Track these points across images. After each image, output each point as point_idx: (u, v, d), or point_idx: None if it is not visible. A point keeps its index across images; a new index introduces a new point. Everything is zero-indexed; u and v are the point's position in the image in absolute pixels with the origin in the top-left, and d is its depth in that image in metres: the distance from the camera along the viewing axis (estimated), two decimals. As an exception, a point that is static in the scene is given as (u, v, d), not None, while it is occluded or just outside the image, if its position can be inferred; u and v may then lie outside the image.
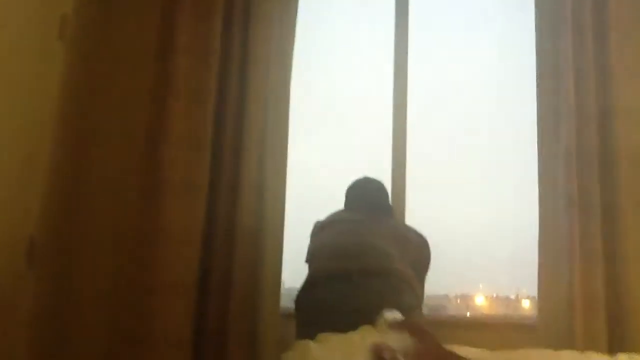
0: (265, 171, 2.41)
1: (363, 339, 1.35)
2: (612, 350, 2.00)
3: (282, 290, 2.41)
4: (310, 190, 2.65)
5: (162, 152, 2.27)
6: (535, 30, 2.48)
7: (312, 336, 1.49)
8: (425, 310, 2.43)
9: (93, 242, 2.45)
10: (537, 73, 2.45)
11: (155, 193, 2.25)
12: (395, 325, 1.41)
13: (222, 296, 2.24)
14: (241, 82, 2.43)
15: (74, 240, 2.42)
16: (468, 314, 2.75)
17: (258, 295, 2.32)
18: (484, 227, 2.69)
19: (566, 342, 2.10)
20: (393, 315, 1.48)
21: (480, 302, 2.81)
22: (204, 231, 2.29)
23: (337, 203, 2.36)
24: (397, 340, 1.28)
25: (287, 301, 2.30)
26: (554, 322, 2.20)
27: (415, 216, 2.52)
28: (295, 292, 2.04)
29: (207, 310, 2.23)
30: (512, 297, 2.87)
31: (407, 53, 2.72)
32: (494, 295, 2.83)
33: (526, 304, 2.79)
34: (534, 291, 2.33)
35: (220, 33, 2.42)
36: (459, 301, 2.87)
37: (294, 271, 2.34)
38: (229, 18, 2.46)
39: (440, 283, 2.61)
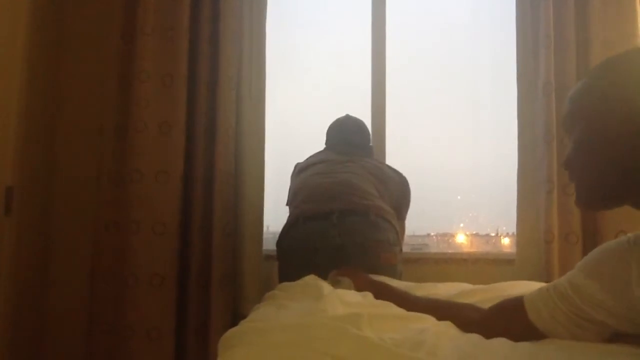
0: (243, 115, 2.41)
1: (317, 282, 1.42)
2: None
3: (267, 234, 2.44)
4: (292, 135, 2.65)
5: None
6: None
7: (293, 276, 1.51)
8: (408, 248, 2.49)
9: (70, 191, 2.44)
10: (516, 5, 2.43)
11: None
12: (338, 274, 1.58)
13: (203, 239, 2.26)
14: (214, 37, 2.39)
15: (51, 188, 2.41)
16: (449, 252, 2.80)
17: (240, 238, 2.35)
18: (465, 168, 2.73)
19: (543, 276, 2.17)
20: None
21: (461, 240, 2.87)
22: (183, 174, 2.29)
23: (319, 146, 2.37)
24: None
25: (271, 244, 2.33)
26: (532, 257, 2.26)
27: (396, 158, 2.53)
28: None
29: (189, 252, 2.25)
30: (492, 234, 2.93)
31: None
32: (475, 233, 2.88)
33: (506, 241, 2.86)
34: (513, 229, 2.39)
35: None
36: (440, 239, 2.92)
37: (278, 215, 2.36)
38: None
39: (422, 223, 2.66)
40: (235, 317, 2.23)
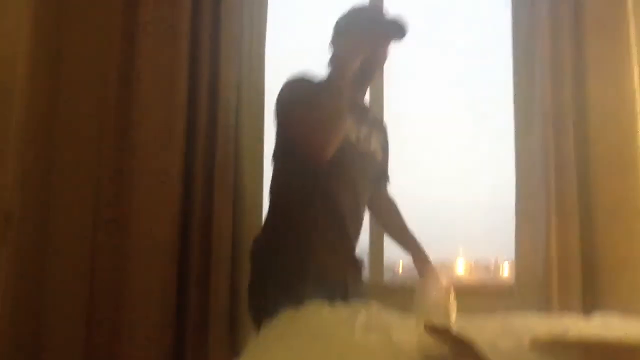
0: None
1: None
2: (586, 310, 2.06)
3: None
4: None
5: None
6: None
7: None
8: (408, 279, 2.48)
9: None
10: (512, 33, 2.46)
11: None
12: (436, 332, 1.38)
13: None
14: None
15: (50, 216, 2.40)
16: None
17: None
18: (464, 196, 2.73)
19: (543, 304, 2.16)
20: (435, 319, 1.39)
21: (461, 268, 2.86)
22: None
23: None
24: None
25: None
26: (531, 285, 2.26)
27: (394, 187, 2.53)
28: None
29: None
30: (492, 262, 2.92)
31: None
32: (474, 262, 2.87)
33: (505, 268, 2.85)
34: (512, 256, 2.39)
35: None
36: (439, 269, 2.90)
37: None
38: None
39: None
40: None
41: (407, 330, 1.31)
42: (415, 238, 2.11)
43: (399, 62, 2.12)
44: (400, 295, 1.85)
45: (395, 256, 2.67)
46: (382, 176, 2.17)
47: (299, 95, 1.83)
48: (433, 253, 2.72)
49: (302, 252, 1.82)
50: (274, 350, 1.15)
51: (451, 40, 2.79)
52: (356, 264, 1.99)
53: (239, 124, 2.34)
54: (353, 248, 1.97)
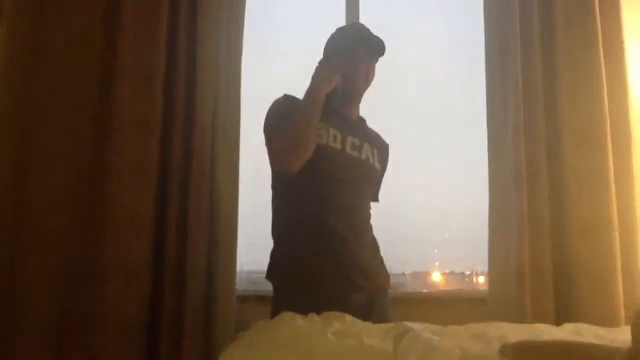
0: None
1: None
2: (559, 320, 2.09)
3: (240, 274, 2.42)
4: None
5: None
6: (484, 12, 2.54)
7: None
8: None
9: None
10: (485, 50, 2.50)
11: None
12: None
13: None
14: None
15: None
16: (425, 290, 2.81)
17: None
18: (440, 208, 2.76)
19: (516, 314, 2.18)
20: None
21: (437, 278, 2.88)
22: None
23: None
24: None
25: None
26: (504, 295, 2.28)
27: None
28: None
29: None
30: (467, 273, 2.95)
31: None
32: (449, 272, 2.90)
33: (481, 279, 2.88)
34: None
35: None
36: (415, 278, 2.93)
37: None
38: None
39: (397, 261, 2.67)
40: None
41: (379, 337, 1.33)
42: None
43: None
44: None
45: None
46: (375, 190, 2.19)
47: (275, 110, 1.96)
48: (409, 263, 2.75)
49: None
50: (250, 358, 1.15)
51: (427, 55, 2.84)
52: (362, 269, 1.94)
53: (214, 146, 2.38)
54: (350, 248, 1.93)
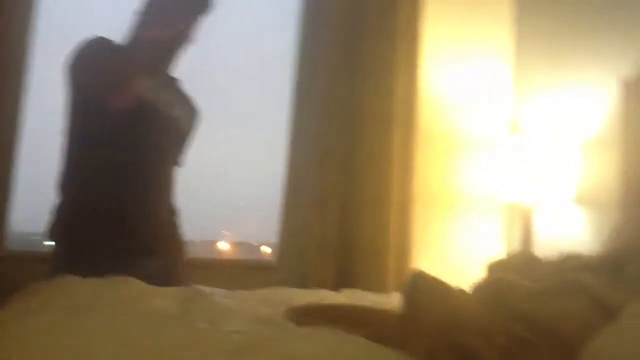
0: None
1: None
2: (338, 287, 2.24)
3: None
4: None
5: None
6: None
7: None
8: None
9: None
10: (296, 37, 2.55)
11: None
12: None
13: None
14: None
15: None
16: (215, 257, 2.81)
17: None
18: (231, 177, 2.77)
19: (300, 282, 2.29)
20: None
21: (224, 247, 2.90)
22: None
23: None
24: None
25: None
26: (289, 264, 2.37)
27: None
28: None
29: None
30: (254, 243, 3.01)
31: None
32: (237, 241, 2.94)
33: (267, 249, 2.96)
34: (273, 238, 2.49)
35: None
36: (202, 246, 2.92)
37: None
38: None
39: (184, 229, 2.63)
40: None
41: (168, 300, 1.29)
42: None
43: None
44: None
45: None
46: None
47: (98, 50, 1.82)
48: (198, 231, 2.71)
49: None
50: (26, 325, 1.03)
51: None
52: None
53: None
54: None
